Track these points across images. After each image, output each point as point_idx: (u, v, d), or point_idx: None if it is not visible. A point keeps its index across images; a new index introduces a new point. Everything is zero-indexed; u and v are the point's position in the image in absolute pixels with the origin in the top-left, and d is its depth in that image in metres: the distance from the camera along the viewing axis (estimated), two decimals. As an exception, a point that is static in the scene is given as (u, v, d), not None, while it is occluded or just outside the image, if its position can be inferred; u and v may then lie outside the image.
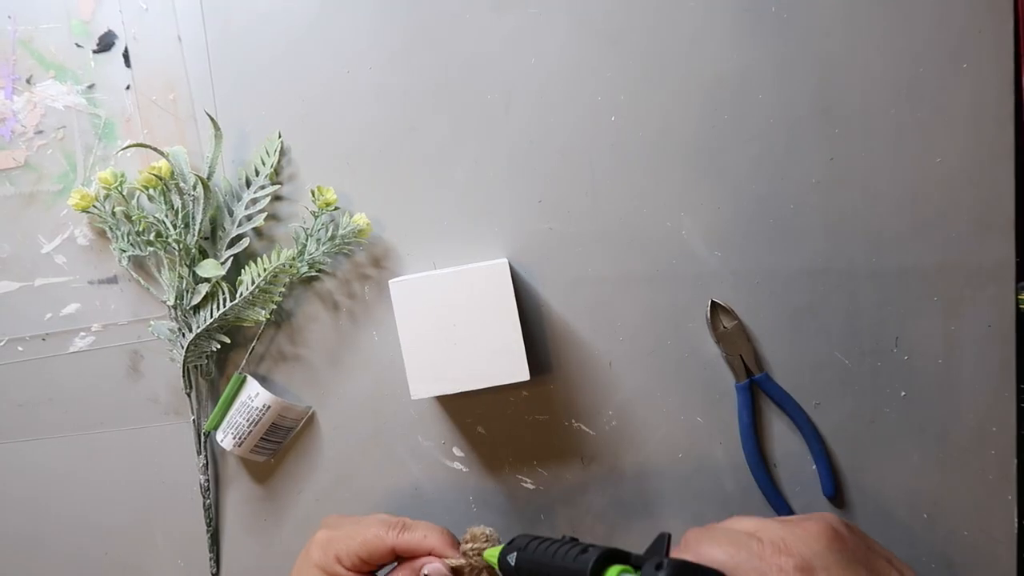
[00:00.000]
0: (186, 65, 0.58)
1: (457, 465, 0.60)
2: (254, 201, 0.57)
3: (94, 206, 0.55)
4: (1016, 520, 0.58)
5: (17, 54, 0.58)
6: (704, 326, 0.58)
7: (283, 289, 0.57)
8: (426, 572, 0.47)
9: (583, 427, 0.59)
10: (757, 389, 0.58)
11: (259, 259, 0.56)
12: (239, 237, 0.57)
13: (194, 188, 0.55)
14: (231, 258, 0.56)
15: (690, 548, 0.41)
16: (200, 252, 0.56)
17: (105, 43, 0.58)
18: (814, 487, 0.58)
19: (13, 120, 0.58)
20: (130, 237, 0.56)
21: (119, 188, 0.55)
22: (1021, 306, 0.57)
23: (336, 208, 0.56)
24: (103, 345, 0.59)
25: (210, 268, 0.55)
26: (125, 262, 0.57)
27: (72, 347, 0.60)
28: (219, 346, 0.57)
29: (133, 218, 0.56)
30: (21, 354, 0.60)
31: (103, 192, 0.56)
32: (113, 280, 0.59)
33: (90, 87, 0.58)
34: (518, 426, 0.59)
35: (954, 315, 0.57)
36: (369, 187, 0.58)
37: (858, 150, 0.57)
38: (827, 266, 0.58)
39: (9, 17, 0.58)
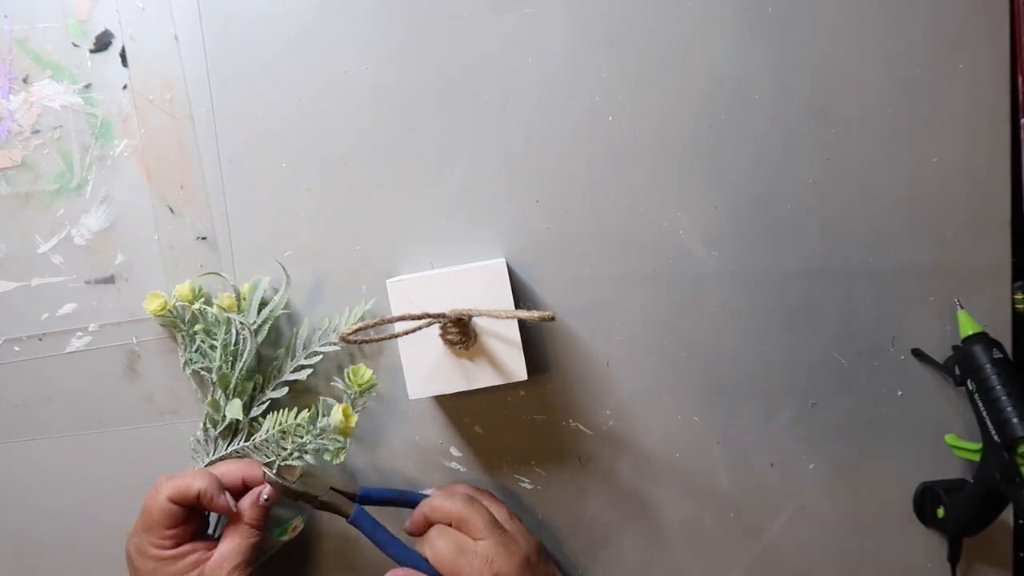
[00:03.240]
0: (183, 65, 0.58)
1: (455, 465, 0.60)
2: (315, 354, 0.57)
3: (169, 311, 0.57)
4: (1013, 520, 0.58)
5: (13, 53, 0.58)
6: (701, 325, 0.58)
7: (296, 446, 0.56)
8: (265, 497, 0.53)
9: (581, 427, 0.59)
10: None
11: (279, 413, 0.56)
12: (284, 383, 0.57)
13: (242, 330, 0.55)
14: (268, 401, 0.57)
15: (427, 541, 0.53)
16: (247, 377, 0.56)
17: (102, 43, 0.58)
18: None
19: (10, 119, 0.58)
20: (199, 351, 0.57)
21: (196, 300, 0.56)
22: (1017, 306, 0.57)
23: (372, 387, 0.56)
24: (100, 345, 0.59)
25: (234, 410, 0.55)
26: (188, 371, 0.57)
27: (69, 347, 0.59)
28: None
29: (199, 338, 0.57)
30: (18, 354, 0.60)
31: (179, 305, 0.57)
32: (110, 280, 0.59)
33: (87, 87, 0.58)
34: (516, 426, 0.59)
35: (950, 315, 0.57)
36: (367, 187, 0.58)
37: (855, 150, 0.57)
38: (824, 266, 0.58)
39: (5, 16, 0.58)
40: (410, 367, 0.53)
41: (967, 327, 0.55)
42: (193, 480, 0.51)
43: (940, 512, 0.56)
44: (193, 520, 0.52)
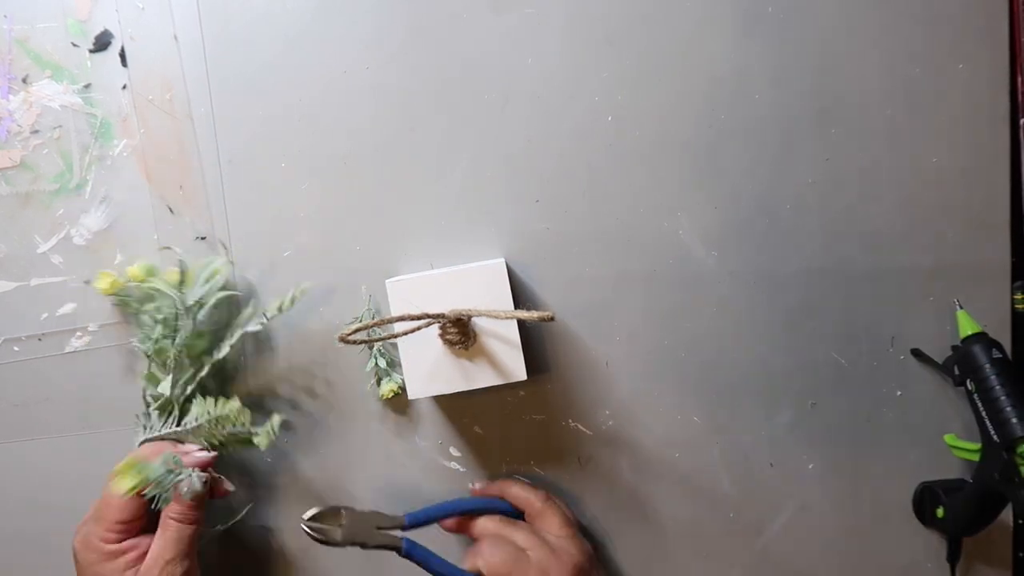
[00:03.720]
0: (183, 65, 0.58)
1: (454, 465, 0.60)
2: (246, 336, 0.57)
3: (120, 291, 0.56)
4: (1013, 520, 0.58)
5: (13, 53, 0.58)
6: (701, 325, 0.58)
7: (224, 436, 0.56)
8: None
9: (580, 427, 0.59)
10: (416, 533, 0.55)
11: (207, 401, 0.55)
12: (212, 364, 0.56)
13: (192, 308, 0.55)
14: (196, 381, 0.56)
15: (479, 553, 0.52)
16: (194, 357, 0.56)
17: (101, 42, 0.58)
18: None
19: (9, 119, 0.58)
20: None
21: (146, 281, 0.56)
22: (1017, 306, 0.57)
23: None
24: (99, 345, 0.59)
25: (163, 386, 0.55)
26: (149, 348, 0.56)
27: (68, 347, 0.59)
28: None
29: (145, 316, 0.56)
30: (17, 354, 0.60)
31: (131, 284, 0.56)
32: (110, 280, 0.59)
33: (86, 87, 0.58)
34: (515, 426, 0.59)
35: (950, 315, 0.57)
36: (367, 187, 0.58)
37: (854, 150, 0.57)
38: (824, 266, 0.58)
39: (5, 16, 0.58)
40: (410, 367, 0.53)
41: (967, 327, 0.55)
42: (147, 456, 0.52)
43: (940, 512, 0.56)
44: (145, 516, 0.52)
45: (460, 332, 0.51)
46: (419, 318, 0.49)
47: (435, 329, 0.52)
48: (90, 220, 0.59)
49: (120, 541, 0.51)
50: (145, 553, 0.51)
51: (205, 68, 0.58)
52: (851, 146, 0.57)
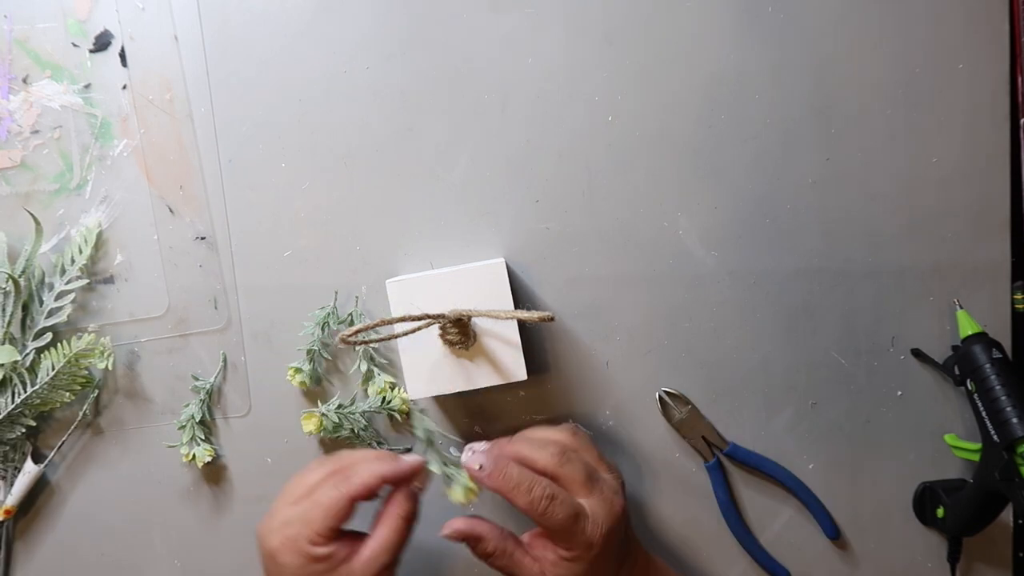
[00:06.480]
0: (183, 65, 0.58)
1: (454, 465, 0.60)
2: (63, 294, 0.57)
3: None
4: (1013, 520, 0.58)
5: (13, 53, 0.58)
6: (701, 325, 0.58)
7: (86, 372, 0.56)
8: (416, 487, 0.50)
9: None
10: (728, 463, 0.59)
11: (59, 345, 0.56)
12: (44, 330, 0.56)
13: (4, 283, 0.55)
14: (33, 349, 0.56)
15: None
16: (9, 340, 0.56)
17: (101, 43, 0.58)
18: (815, 536, 0.59)
19: (9, 120, 0.58)
20: None
21: None
22: (1017, 306, 0.57)
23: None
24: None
25: (5, 354, 0.54)
26: None
27: (68, 347, 0.59)
28: (24, 429, 0.57)
29: None
30: (17, 354, 0.60)
31: None
32: (110, 280, 0.59)
33: (86, 87, 0.58)
34: (516, 426, 0.59)
35: (950, 315, 0.57)
36: (366, 187, 0.58)
37: (854, 150, 0.57)
38: (824, 266, 0.58)
39: (5, 16, 0.58)
40: (410, 367, 0.53)
41: (967, 327, 0.55)
42: (370, 472, 0.47)
43: (940, 512, 0.56)
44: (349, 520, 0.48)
45: (460, 332, 0.51)
46: (419, 318, 0.49)
47: (435, 329, 0.52)
48: (90, 220, 0.59)
49: (329, 542, 0.46)
50: (349, 556, 0.47)
51: (205, 68, 0.58)
52: (851, 146, 0.57)
